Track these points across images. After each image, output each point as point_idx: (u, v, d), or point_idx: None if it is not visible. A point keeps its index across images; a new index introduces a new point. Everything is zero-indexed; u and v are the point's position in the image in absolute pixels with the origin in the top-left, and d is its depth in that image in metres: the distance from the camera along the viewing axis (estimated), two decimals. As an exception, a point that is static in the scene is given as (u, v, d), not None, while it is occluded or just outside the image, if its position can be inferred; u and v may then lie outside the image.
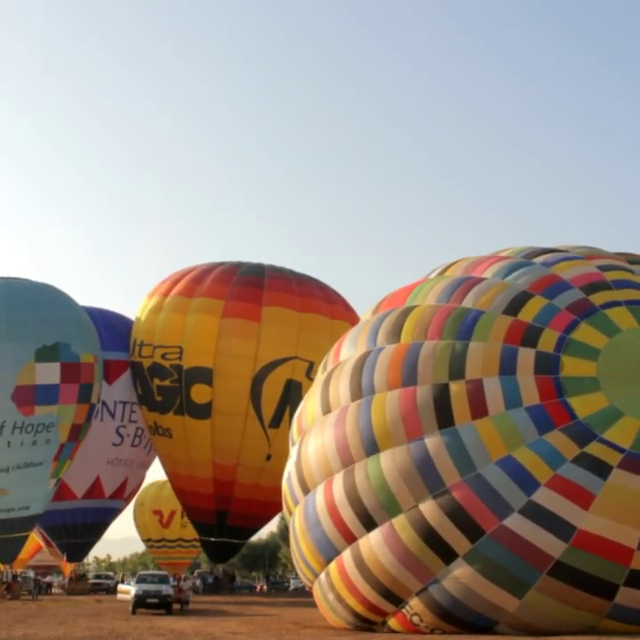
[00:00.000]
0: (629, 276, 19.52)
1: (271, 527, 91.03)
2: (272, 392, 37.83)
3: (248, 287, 38.54)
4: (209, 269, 39.82)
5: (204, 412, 38.01)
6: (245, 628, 21.02)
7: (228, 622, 23.44)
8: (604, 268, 19.61)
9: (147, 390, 39.93)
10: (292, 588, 56.28)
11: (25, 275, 39.53)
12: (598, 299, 18.58)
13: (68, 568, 49.34)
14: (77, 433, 37.34)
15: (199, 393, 37.98)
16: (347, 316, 39.80)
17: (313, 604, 21.42)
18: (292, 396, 37.52)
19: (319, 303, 39.51)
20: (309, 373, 37.27)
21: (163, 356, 38.69)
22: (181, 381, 38.28)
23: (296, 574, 36.07)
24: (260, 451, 38.07)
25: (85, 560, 60.98)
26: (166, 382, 38.77)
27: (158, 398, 39.34)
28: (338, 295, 42.08)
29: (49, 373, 35.61)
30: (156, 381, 39.22)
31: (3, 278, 38.22)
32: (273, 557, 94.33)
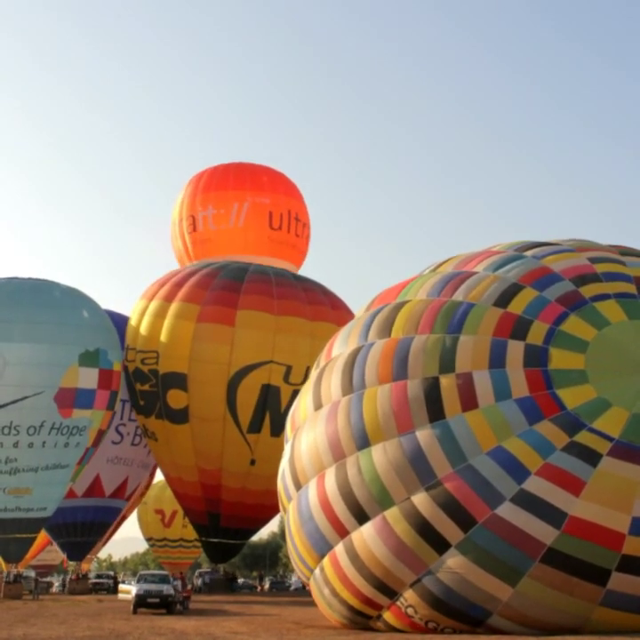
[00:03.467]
0: (620, 268, 19.58)
1: (272, 527, 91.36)
2: (247, 397, 37.34)
3: (225, 291, 38.24)
4: (192, 272, 39.80)
5: (181, 417, 37.90)
6: (246, 628, 21.05)
7: (229, 622, 23.46)
8: (594, 260, 19.70)
9: (133, 394, 40.30)
10: (293, 587, 56.27)
11: (25, 274, 39.80)
12: (588, 291, 18.69)
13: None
14: (100, 439, 38.13)
15: (175, 398, 37.88)
16: (332, 316, 38.98)
17: (314, 604, 21.45)
18: (270, 401, 37.25)
19: (299, 305, 38.82)
20: (288, 378, 37.16)
21: (142, 361, 38.85)
22: (159, 386, 38.31)
23: (296, 574, 36.03)
24: (241, 456, 37.78)
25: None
26: (146, 387, 38.88)
27: (141, 402, 39.63)
28: (325, 295, 41.20)
29: (89, 378, 36.51)
30: (138, 386, 39.44)
31: (36, 279, 38.73)
32: (274, 557, 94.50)
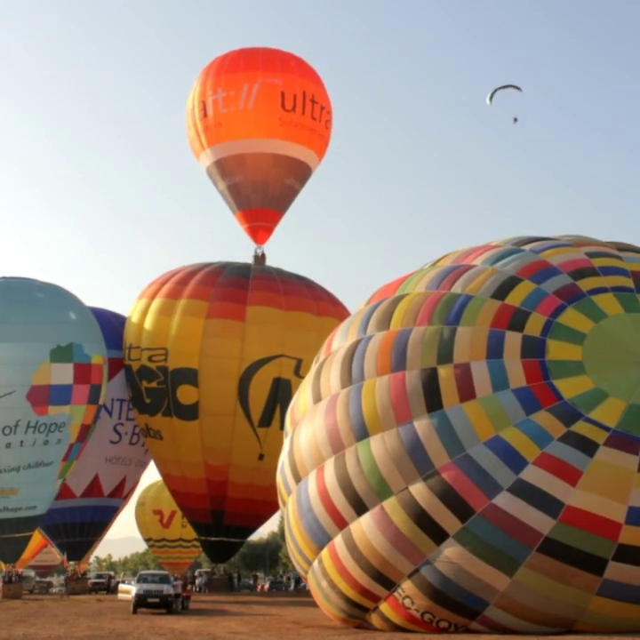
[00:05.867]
0: (618, 262, 19.75)
1: (272, 526, 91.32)
2: (259, 391, 37.72)
3: (232, 288, 38.70)
4: (195, 271, 40.07)
5: (191, 413, 38.03)
6: (246, 628, 21.02)
7: (229, 622, 23.42)
8: (592, 255, 19.88)
9: (137, 393, 40.23)
10: (291, 588, 56.17)
11: (25, 274, 39.89)
12: (586, 284, 18.87)
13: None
14: (85, 434, 37.77)
15: (185, 394, 38.02)
16: (334, 312, 39.79)
17: (313, 604, 21.41)
18: (281, 394, 37.49)
19: (305, 301, 39.52)
20: (298, 371, 37.44)
21: (149, 359, 38.92)
22: (168, 383, 38.37)
23: (296, 573, 35.95)
24: (251, 450, 37.97)
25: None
26: (153, 384, 38.93)
27: (147, 400, 39.57)
28: (325, 292, 41.99)
29: (63, 374, 36.07)
30: (145, 383, 39.42)
31: (12, 278, 38.60)
32: (273, 557, 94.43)
